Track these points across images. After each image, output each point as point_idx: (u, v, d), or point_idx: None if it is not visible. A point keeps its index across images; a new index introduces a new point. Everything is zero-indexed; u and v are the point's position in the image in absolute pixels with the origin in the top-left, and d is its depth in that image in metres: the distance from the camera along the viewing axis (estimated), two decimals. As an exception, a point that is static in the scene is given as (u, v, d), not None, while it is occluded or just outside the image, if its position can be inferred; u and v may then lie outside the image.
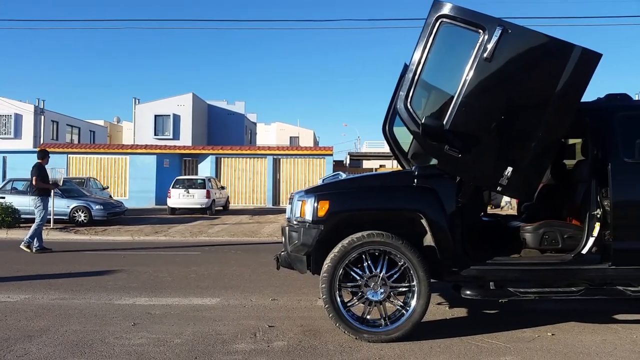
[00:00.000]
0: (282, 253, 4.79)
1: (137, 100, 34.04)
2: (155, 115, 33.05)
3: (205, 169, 25.82)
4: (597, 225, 4.31)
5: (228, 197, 23.25)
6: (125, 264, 8.27)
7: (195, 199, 19.29)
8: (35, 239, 9.65)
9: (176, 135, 32.62)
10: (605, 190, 4.30)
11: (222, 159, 26.24)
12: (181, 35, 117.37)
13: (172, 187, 19.66)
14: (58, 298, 5.77)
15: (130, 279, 6.99)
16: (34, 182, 9.59)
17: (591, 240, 4.31)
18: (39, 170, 9.70)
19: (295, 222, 4.57)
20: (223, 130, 36.48)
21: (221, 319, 4.91)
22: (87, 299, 5.72)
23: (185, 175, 25.00)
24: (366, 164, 41.67)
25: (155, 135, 32.70)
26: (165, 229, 14.40)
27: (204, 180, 20.02)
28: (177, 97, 33.40)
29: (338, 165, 33.55)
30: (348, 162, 38.17)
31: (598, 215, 4.31)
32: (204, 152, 26.52)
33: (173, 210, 19.61)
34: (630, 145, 4.40)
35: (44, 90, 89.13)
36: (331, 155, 26.61)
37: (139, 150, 25.52)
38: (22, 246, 9.60)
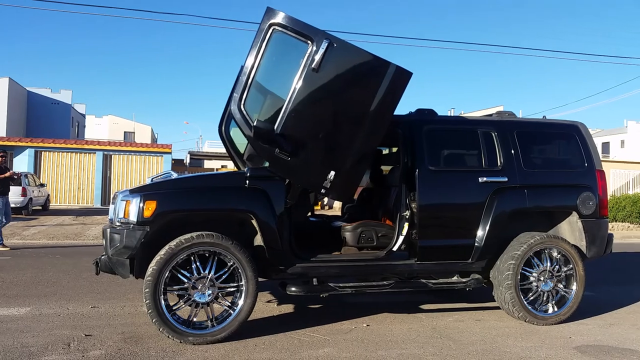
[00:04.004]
0: (103, 257, 4.51)
1: (-64, 81, 29.04)
2: (-39, 100, 28.54)
3: (21, 164, 22.88)
4: (406, 225, 4.82)
5: (49, 195, 20.97)
6: None
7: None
8: None
9: (-14, 124, 28.49)
10: (413, 194, 4.83)
11: (43, 152, 23.56)
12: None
13: (-22, 183, 17.12)
14: None
15: None
16: None
17: (401, 239, 4.81)
18: None
19: (118, 224, 4.34)
20: (45, 121, 32.71)
21: (30, 330, 4.43)
22: None
23: (-5, 169, 21.89)
24: (208, 164, 40.82)
25: (-41, 122, 28.20)
26: (-33, 231, 12.49)
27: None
28: (-11, 80, 29.24)
29: (178, 164, 32.40)
30: (188, 161, 37.03)
31: (407, 216, 4.83)
32: (20, 144, 23.51)
33: (-22, 210, 17.07)
34: (435, 155, 5.01)
35: None
36: (170, 153, 25.55)
37: (-64, 140, 21.77)
38: None
